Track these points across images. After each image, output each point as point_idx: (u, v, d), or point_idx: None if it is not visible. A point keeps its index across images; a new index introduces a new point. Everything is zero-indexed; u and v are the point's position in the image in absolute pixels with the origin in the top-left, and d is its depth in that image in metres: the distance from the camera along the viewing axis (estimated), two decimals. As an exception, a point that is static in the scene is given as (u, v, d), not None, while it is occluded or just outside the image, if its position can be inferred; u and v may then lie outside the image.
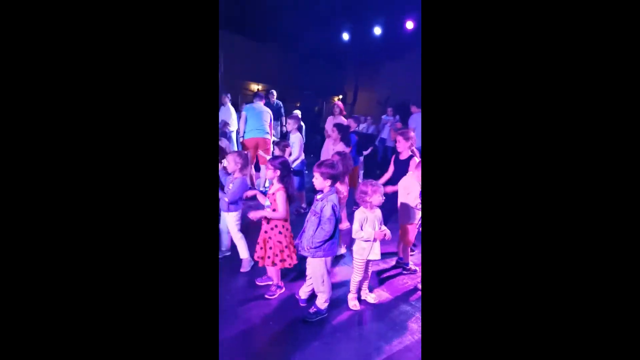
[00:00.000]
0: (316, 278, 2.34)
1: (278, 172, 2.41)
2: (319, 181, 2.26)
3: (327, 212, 2.18)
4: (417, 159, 3.15)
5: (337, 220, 2.24)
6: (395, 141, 3.38)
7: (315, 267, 2.31)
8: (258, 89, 9.28)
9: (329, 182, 2.24)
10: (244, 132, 4.79)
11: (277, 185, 2.43)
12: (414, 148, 3.33)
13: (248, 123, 4.74)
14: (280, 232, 2.45)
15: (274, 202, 2.42)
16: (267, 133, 4.82)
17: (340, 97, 13.06)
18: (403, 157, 3.30)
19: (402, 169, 3.18)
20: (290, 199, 2.43)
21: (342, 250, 3.35)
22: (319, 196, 2.29)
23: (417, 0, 6.00)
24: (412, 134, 3.33)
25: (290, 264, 2.51)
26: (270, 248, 2.46)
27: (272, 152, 4.79)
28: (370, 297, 2.63)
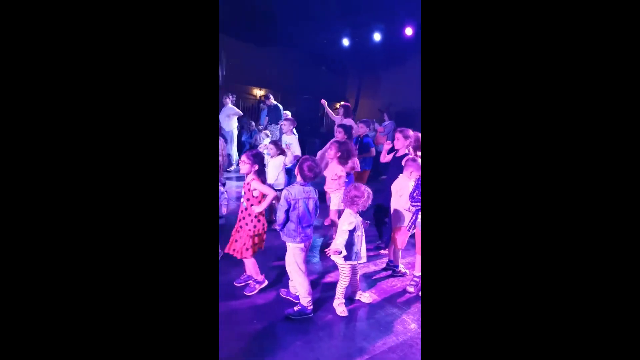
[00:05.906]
0: (288, 265, 2.38)
1: (256, 167, 2.45)
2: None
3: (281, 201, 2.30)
4: (410, 156, 3.13)
5: (288, 209, 2.29)
6: (392, 140, 3.40)
7: (287, 254, 2.38)
8: (260, 96, 9.36)
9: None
10: None
11: (251, 177, 2.47)
12: (410, 147, 3.30)
13: None
14: (259, 221, 2.50)
15: (252, 193, 2.46)
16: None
17: (342, 103, 13.07)
18: (400, 154, 3.29)
19: (398, 167, 3.17)
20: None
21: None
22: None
23: (416, 6, 6.04)
24: (411, 132, 3.31)
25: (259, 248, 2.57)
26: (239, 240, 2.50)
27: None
28: (365, 297, 2.59)
